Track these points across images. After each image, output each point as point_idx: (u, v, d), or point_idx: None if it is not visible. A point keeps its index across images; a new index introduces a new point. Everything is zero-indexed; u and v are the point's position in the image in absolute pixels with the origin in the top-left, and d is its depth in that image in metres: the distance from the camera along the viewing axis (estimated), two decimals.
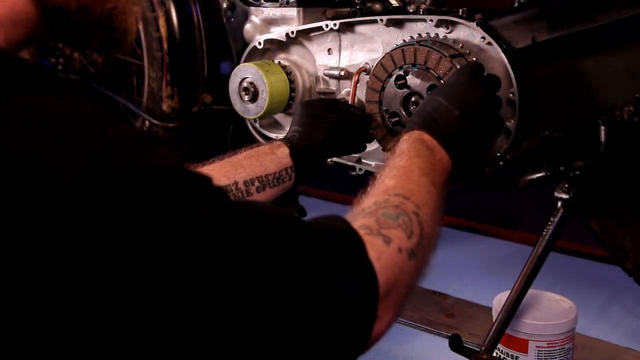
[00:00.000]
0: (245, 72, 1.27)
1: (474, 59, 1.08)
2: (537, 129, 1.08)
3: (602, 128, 1.01)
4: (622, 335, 1.34)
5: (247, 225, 0.52)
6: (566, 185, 1.04)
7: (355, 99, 1.22)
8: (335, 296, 0.55)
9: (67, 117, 0.48)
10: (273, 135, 1.37)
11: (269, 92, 1.25)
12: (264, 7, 1.35)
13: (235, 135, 1.52)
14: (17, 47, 0.57)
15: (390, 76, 1.13)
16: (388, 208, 0.67)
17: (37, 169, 0.43)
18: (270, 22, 1.36)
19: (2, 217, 0.41)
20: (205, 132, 1.71)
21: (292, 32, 1.30)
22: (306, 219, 0.62)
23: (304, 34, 1.30)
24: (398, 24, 1.19)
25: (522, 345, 1.05)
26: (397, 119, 1.13)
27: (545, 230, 1.04)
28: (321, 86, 1.31)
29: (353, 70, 1.25)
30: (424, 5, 1.18)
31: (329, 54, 1.29)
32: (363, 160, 1.29)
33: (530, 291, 1.04)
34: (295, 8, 1.31)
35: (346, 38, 1.27)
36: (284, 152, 1.04)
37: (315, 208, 1.70)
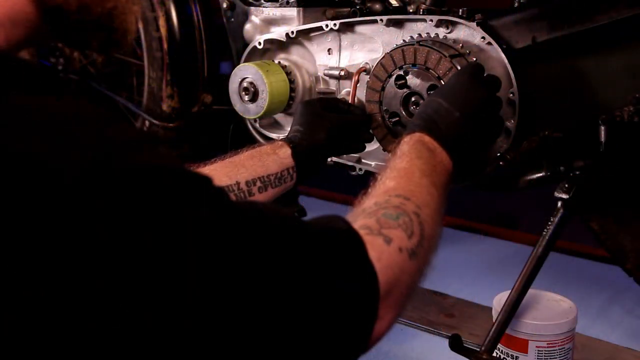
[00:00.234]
0: (245, 72, 1.27)
1: (474, 59, 1.08)
2: (537, 129, 1.08)
3: (602, 128, 1.02)
4: (622, 335, 1.34)
5: (247, 225, 0.52)
6: (566, 185, 1.04)
7: (355, 99, 1.22)
8: (335, 296, 0.55)
9: (67, 117, 0.48)
10: (273, 135, 1.37)
11: (269, 92, 1.25)
12: (264, 7, 1.35)
13: (235, 135, 1.52)
14: (17, 47, 0.57)
15: (390, 76, 1.13)
16: (389, 208, 0.67)
17: (37, 169, 0.43)
18: (270, 22, 1.36)
19: (2, 217, 0.41)
20: (205, 132, 1.71)
21: (292, 32, 1.30)
22: (306, 219, 0.61)
23: (304, 34, 1.30)
24: (398, 24, 1.19)
25: (522, 345, 1.05)
26: (397, 119, 1.13)
27: (545, 230, 1.04)
28: (321, 86, 1.31)
29: (353, 70, 1.25)
30: (424, 5, 1.18)
31: (329, 54, 1.29)
32: (363, 160, 1.29)
33: (530, 291, 1.04)
34: (295, 8, 1.31)
35: (346, 38, 1.27)
36: (285, 152, 1.04)
37: (315, 208, 1.70)
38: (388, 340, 1.32)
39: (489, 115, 0.97)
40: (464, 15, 1.12)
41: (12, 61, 0.51)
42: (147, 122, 1.68)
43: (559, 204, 1.04)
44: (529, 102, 1.08)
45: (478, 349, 1.00)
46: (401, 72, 1.11)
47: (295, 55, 1.34)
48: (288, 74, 1.29)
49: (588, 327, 1.33)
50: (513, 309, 1.02)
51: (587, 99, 1.11)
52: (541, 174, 1.12)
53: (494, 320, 1.03)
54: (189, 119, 1.66)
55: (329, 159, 1.26)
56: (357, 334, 0.58)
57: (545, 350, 1.04)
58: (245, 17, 1.39)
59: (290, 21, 1.33)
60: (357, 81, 1.23)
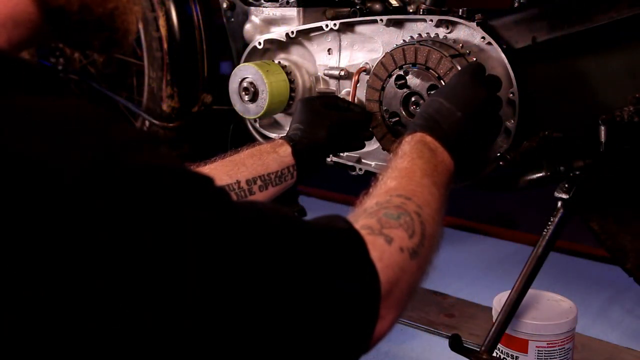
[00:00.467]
0: (245, 72, 1.27)
1: (474, 59, 1.08)
2: (537, 129, 1.08)
3: (602, 128, 1.01)
4: (622, 335, 1.34)
5: (247, 225, 0.52)
6: (566, 185, 1.04)
7: (355, 99, 1.22)
8: (336, 296, 0.55)
9: (67, 117, 0.48)
10: (273, 135, 1.37)
11: (269, 92, 1.25)
12: (264, 7, 1.35)
13: (235, 135, 1.52)
14: (18, 48, 0.57)
15: (390, 76, 1.13)
16: (390, 208, 0.67)
17: (37, 169, 0.43)
18: (270, 22, 1.36)
19: (2, 217, 0.41)
20: (205, 132, 1.71)
21: (292, 32, 1.30)
22: (307, 219, 0.61)
23: (304, 34, 1.30)
24: (398, 24, 1.19)
25: (522, 345, 1.05)
26: (397, 118, 1.13)
27: (545, 230, 1.04)
28: (321, 86, 1.31)
29: (353, 70, 1.25)
30: (424, 5, 1.18)
31: (329, 54, 1.29)
32: (363, 160, 1.29)
33: (530, 291, 1.04)
34: (295, 8, 1.31)
35: (346, 38, 1.27)
36: (286, 150, 1.04)
37: (315, 208, 1.70)
38: (388, 340, 1.32)
39: (489, 115, 0.97)
40: (464, 15, 1.12)
41: (13, 61, 0.51)
42: (147, 122, 1.68)
43: (559, 204, 1.04)
44: (529, 102, 1.08)
45: (478, 349, 1.00)
46: (401, 72, 1.11)
47: (295, 55, 1.34)
48: (288, 74, 1.29)
49: (588, 327, 1.33)
50: (513, 309, 1.02)
51: (587, 99, 1.11)
52: (541, 174, 1.12)
53: (494, 320, 1.03)
54: (189, 119, 1.66)
55: (328, 159, 1.27)
56: (359, 334, 0.58)
57: (545, 350, 1.04)
58: (245, 17, 1.39)
59: (290, 21, 1.33)
60: (357, 81, 1.22)
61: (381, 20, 1.20)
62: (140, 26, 1.63)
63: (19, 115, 0.45)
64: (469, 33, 1.11)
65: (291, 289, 0.52)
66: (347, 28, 1.26)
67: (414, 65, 1.10)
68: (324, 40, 1.29)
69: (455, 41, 1.11)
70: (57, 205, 0.42)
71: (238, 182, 0.99)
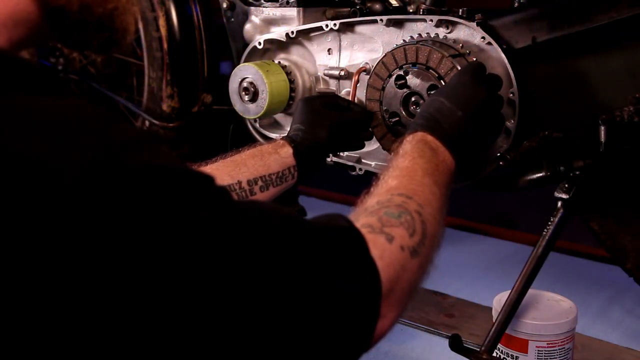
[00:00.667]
0: (245, 72, 1.27)
1: (474, 59, 1.08)
2: (537, 129, 1.08)
3: (602, 128, 1.01)
4: (622, 335, 1.34)
5: (248, 225, 0.52)
6: (566, 185, 1.04)
7: (355, 99, 1.22)
8: (337, 295, 0.55)
9: (67, 117, 0.48)
10: (273, 135, 1.37)
11: (269, 92, 1.25)
12: (264, 7, 1.35)
13: (235, 135, 1.52)
14: (18, 47, 0.57)
15: (390, 76, 1.13)
16: (390, 207, 0.67)
17: (37, 169, 0.43)
18: (270, 22, 1.36)
19: (2, 217, 0.41)
20: (205, 132, 1.71)
21: (292, 32, 1.30)
22: (307, 218, 0.61)
23: (304, 34, 1.30)
24: (398, 24, 1.19)
25: (522, 345, 1.05)
26: (397, 118, 1.13)
27: (545, 230, 1.04)
28: (321, 86, 1.31)
29: (353, 70, 1.25)
30: (424, 5, 1.18)
31: (329, 54, 1.29)
32: (363, 160, 1.29)
33: (530, 291, 1.04)
34: (295, 8, 1.31)
35: (346, 38, 1.27)
36: (287, 151, 1.05)
37: (315, 208, 1.69)
38: (388, 340, 1.32)
39: (490, 114, 0.98)
40: (464, 15, 1.12)
41: (13, 61, 0.51)
42: (147, 122, 1.68)
43: (559, 204, 1.04)
44: (529, 102, 1.08)
45: (478, 349, 1.00)
46: (401, 72, 1.11)
47: (295, 55, 1.34)
48: (288, 74, 1.29)
49: (588, 327, 1.33)
50: (513, 309, 1.02)
51: (587, 99, 1.11)
52: (541, 174, 1.12)
53: (494, 320, 1.03)
54: (189, 119, 1.66)
55: (328, 159, 1.27)
56: (360, 332, 0.58)
57: (545, 350, 1.04)
58: (245, 17, 1.39)
59: (290, 21, 1.33)
60: (357, 81, 1.22)
61: (381, 20, 1.20)
62: (140, 26, 1.63)
63: (19, 115, 0.45)
64: (469, 33, 1.11)
65: (292, 288, 0.52)
66: (347, 28, 1.26)
67: (414, 65, 1.10)
68: (324, 40, 1.29)
69: (455, 41, 1.11)
70: (57, 205, 0.42)
71: (239, 182, 0.99)
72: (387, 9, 1.26)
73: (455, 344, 1.01)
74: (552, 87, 1.14)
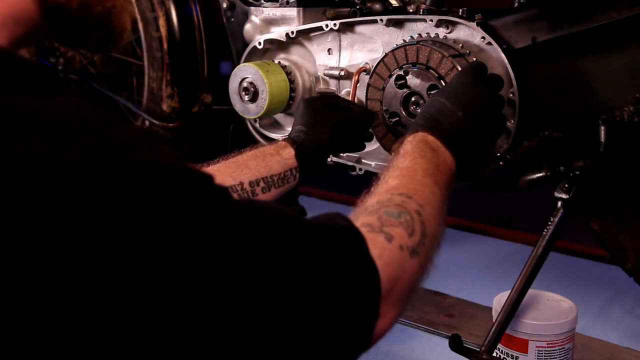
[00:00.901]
0: (245, 72, 1.27)
1: (474, 59, 1.08)
2: (537, 129, 1.08)
3: (602, 128, 1.01)
4: (622, 335, 1.34)
5: (248, 224, 0.52)
6: (566, 185, 1.04)
7: (355, 99, 1.22)
8: (337, 294, 0.55)
9: (68, 117, 0.48)
10: (273, 135, 1.37)
11: (269, 92, 1.25)
12: (264, 7, 1.35)
13: (235, 135, 1.52)
14: (18, 46, 0.57)
15: (390, 76, 1.13)
16: (390, 206, 0.67)
17: (37, 169, 0.43)
18: (270, 22, 1.36)
19: (2, 217, 0.41)
20: (205, 132, 1.71)
21: (292, 32, 1.30)
22: (307, 218, 0.61)
23: (304, 34, 1.30)
24: (398, 24, 1.19)
25: (522, 345, 1.05)
26: (397, 118, 1.13)
27: (545, 230, 1.04)
28: (321, 86, 1.31)
29: (353, 70, 1.25)
30: (424, 5, 1.18)
31: (329, 54, 1.29)
32: (363, 160, 1.29)
33: (530, 291, 1.04)
34: (295, 8, 1.31)
35: (346, 38, 1.27)
36: (289, 153, 1.05)
37: (315, 208, 1.69)
38: (388, 340, 1.32)
39: (491, 115, 0.98)
40: (464, 15, 1.12)
41: (13, 60, 0.51)
42: (147, 122, 1.68)
43: (559, 204, 1.04)
44: (529, 102, 1.08)
45: (478, 349, 1.00)
46: (401, 72, 1.11)
47: (295, 55, 1.34)
48: (288, 74, 1.29)
49: (588, 327, 1.34)
50: (513, 309, 1.02)
51: (587, 99, 1.11)
52: (541, 174, 1.12)
53: (494, 320, 1.03)
54: (189, 119, 1.66)
55: (329, 159, 1.27)
56: (359, 332, 0.58)
57: (545, 350, 1.04)
58: (245, 17, 1.39)
59: (290, 21, 1.33)
60: (357, 81, 1.22)
61: (381, 20, 1.20)
62: (140, 26, 1.63)
63: (19, 115, 0.45)
64: (469, 33, 1.11)
65: (292, 287, 0.52)
66: (347, 28, 1.26)
67: (414, 65, 1.10)
68: (324, 40, 1.29)
69: (455, 41, 1.11)
70: (57, 205, 0.42)
71: (241, 183, 0.99)
72: (387, 9, 1.26)
73: (455, 344, 1.01)
74: (552, 87, 1.14)
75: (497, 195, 2.08)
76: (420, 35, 1.16)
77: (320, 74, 1.31)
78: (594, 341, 1.30)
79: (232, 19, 1.41)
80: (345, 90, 1.28)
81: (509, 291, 1.03)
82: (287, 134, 1.12)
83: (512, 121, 1.07)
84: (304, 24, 1.30)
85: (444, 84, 1.06)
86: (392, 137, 1.15)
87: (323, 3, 1.34)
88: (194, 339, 0.46)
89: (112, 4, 0.61)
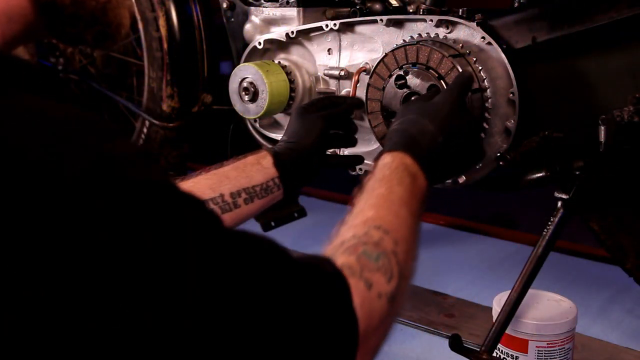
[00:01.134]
0: (245, 72, 1.27)
1: (474, 59, 1.08)
2: (537, 129, 1.08)
3: (602, 128, 1.01)
4: (622, 335, 1.34)
5: (238, 252, 0.51)
6: (566, 185, 1.04)
7: None
8: (317, 340, 0.54)
9: (67, 119, 0.48)
10: (273, 136, 1.37)
11: (269, 92, 1.25)
12: (264, 7, 1.35)
13: (235, 135, 1.52)
14: (12, 44, 0.57)
15: (390, 76, 1.13)
16: (368, 245, 0.66)
17: (36, 168, 0.43)
18: (270, 22, 1.36)
19: (2, 217, 0.41)
20: (205, 132, 1.71)
21: (292, 32, 1.30)
22: (295, 255, 0.59)
23: (304, 34, 1.30)
24: (398, 24, 1.19)
25: (522, 345, 1.05)
26: None
27: (545, 230, 1.04)
28: (321, 86, 1.31)
29: (353, 70, 1.25)
30: (424, 5, 1.18)
31: (329, 54, 1.29)
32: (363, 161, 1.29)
33: (530, 291, 1.04)
34: (295, 8, 1.31)
35: (346, 38, 1.27)
36: (269, 161, 1.01)
37: (315, 208, 1.70)
38: (387, 340, 1.32)
39: (471, 142, 0.97)
40: (464, 15, 1.12)
41: (10, 60, 0.51)
42: (147, 122, 1.69)
43: (559, 204, 1.04)
44: (529, 102, 1.08)
45: (478, 349, 1.00)
46: (401, 72, 1.11)
47: (295, 55, 1.34)
48: (288, 74, 1.29)
49: (588, 327, 1.33)
50: (513, 309, 1.02)
51: (587, 99, 1.11)
52: (541, 174, 1.12)
53: (494, 320, 1.03)
54: (189, 119, 1.66)
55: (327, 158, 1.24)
56: None
57: (545, 350, 1.04)
58: (245, 17, 1.39)
59: (290, 21, 1.33)
60: (357, 81, 1.22)
61: (381, 20, 1.20)
62: (140, 26, 1.63)
63: (19, 115, 0.45)
64: (469, 33, 1.11)
65: (275, 334, 0.51)
66: (347, 28, 1.26)
67: (414, 65, 1.10)
68: (324, 40, 1.29)
69: (455, 41, 1.11)
70: (57, 205, 0.42)
71: (222, 195, 0.96)
72: (387, 9, 1.26)
73: (455, 344, 1.01)
74: (552, 87, 1.14)
75: (497, 195, 2.08)
76: (420, 35, 1.16)
77: (320, 74, 1.31)
78: (594, 341, 1.30)
79: (232, 19, 1.41)
80: (345, 90, 1.28)
81: (509, 291, 1.03)
82: None
83: (512, 121, 1.07)
84: (304, 24, 1.31)
85: (444, 85, 1.06)
86: None
87: (323, 3, 1.34)
88: (194, 339, 0.46)
89: None
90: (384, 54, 1.14)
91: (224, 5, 1.41)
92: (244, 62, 1.35)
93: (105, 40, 0.64)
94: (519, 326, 1.05)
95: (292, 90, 1.30)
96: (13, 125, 0.44)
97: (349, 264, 0.62)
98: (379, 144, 1.20)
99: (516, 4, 1.14)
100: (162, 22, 1.60)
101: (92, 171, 0.44)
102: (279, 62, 1.31)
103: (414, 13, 1.22)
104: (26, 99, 0.48)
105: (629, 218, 1.15)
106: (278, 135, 1.36)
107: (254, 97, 1.26)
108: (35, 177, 0.42)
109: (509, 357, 1.07)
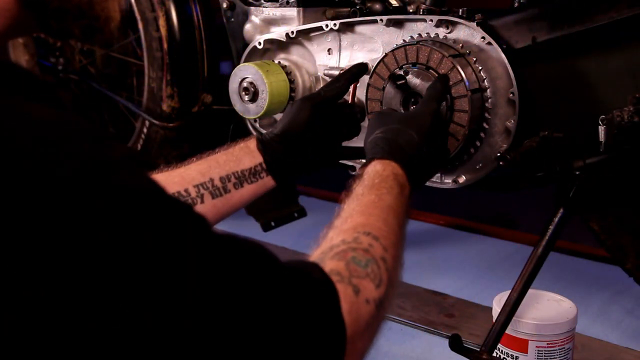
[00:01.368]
0: (245, 72, 1.27)
1: (474, 59, 1.08)
2: (537, 129, 1.08)
3: (602, 128, 1.02)
4: (622, 335, 1.34)
5: (230, 256, 0.51)
6: (566, 185, 1.04)
7: (355, 99, 1.22)
8: (306, 346, 0.54)
9: (60, 123, 0.48)
10: None
11: (269, 92, 1.25)
12: (264, 7, 1.35)
13: (235, 135, 1.52)
14: (1, 39, 0.57)
15: (390, 76, 1.13)
16: (358, 251, 0.66)
17: (35, 168, 0.43)
18: (270, 22, 1.36)
19: (1, 217, 0.41)
20: (205, 132, 1.71)
21: (292, 32, 1.30)
22: (283, 262, 0.59)
23: (304, 34, 1.30)
24: (398, 24, 1.19)
25: (522, 345, 1.05)
26: None
27: (545, 230, 1.04)
28: (321, 86, 1.31)
29: None
30: (424, 5, 1.18)
31: (329, 54, 1.29)
32: (363, 161, 1.28)
33: (530, 291, 1.04)
34: (295, 8, 1.31)
35: (346, 38, 1.27)
36: (254, 144, 1.01)
37: (315, 208, 1.70)
38: (388, 340, 1.32)
39: (445, 147, 1.00)
40: (464, 15, 1.12)
41: (6, 66, 0.51)
42: (147, 122, 1.69)
43: (559, 204, 1.04)
44: (529, 102, 1.08)
45: (478, 349, 1.00)
46: (401, 72, 1.11)
47: (295, 55, 1.34)
48: (288, 74, 1.29)
49: (588, 327, 1.34)
50: (513, 309, 1.02)
51: (587, 99, 1.11)
52: (541, 174, 1.12)
53: (494, 320, 1.03)
54: (189, 119, 1.66)
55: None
56: None
57: (545, 350, 1.05)
58: (245, 17, 1.39)
59: (290, 21, 1.33)
60: (357, 81, 1.22)
61: (381, 20, 1.20)
62: (140, 26, 1.64)
63: (5, 118, 0.45)
64: (469, 33, 1.11)
65: (258, 332, 0.51)
66: (347, 28, 1.26)
67: (414, 65, 1.10)
68: (324, 40, 1.29)
69: (455, 41, 1.11)
70: (57, 205, 0.42)
71: (212, 179, 0.96)
72: (387, 9, 1.26)
73: (455, 344, 1.01)
74: (552, 87, 1.14)
75: (497, 195, 2.08)
76: (420, 35, 1.16)
77: (320, 74, 1.31)
78: (594, 341, 1.30)
79: (232, 19, 1.41)
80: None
81: (509, 291, 1.03)
82: None
83: (512, 121, 1.07)
84: (304, 24, 1.31)
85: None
86: None
87: (323, 3, 1.34)
88: (191, 341, 0.46)
89: None
90: (384, 54, 1.14)
91: (224, 5, 1.41)
92: (244, 62, 1.35)
93: (94, 34, 0.64)
94: (519, 326, 1.05)
95: (292, 90, 1.30)
96: (9, 125, 0.44)
97: (337, 269, 0.62)
98: None
99: (516, 4, 1.14)
100: (162, 22, 1.60)
101: (85, 172, 0.44)
102: (279, 62, 1.31)
103: (414, 13, 1.22)
104: (15, 101, 0.47)
105: (629, 218, 1.15)
106: None
107: (254, 97, 1.26)
108: (34, 177, 0.42)
109: (509, 357, 1.07)
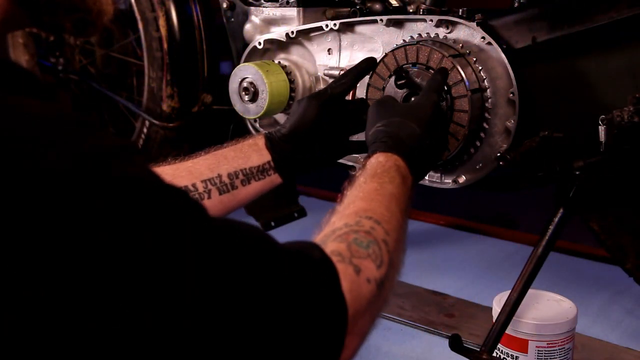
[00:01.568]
0: (245, 72, 1.27)
1: (474, 59, 1.08)
2: (537, 129, 1.08)
3: (602, 128, 1.01)
4: (622, 335, 1.34)
5: (223, 241, 0.51)
6: (566, 185, 1.04)
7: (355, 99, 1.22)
8: (307, 325, 0.55)
9: (54, 118, 0.48)
10: None
11: (269, 92, 1.25)
12: (264, 7, 1.35)
13: (236, 135, 1.51)
14: None
15: (390, 76, 1.13)
16: (360, 233, 0.66)
17: (34, 167, 0.43)
18: (270, 22, 1.36)
19: (1, 217, 0.41)
20: (205, 132, 1.71)
21: (292, 32, 1.30)
22: (282, 243, 0.59)
23: (304, 34, 1.31)
24: (398, 24, 1.19)
25: (522, 345, 1.05)
26: None
27: (545, 230, 1.04)
28: (321, 86, 1.31)
29: None
30: (424, 5, 1.18)
31: (329, 54, 1.29)
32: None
33: (530, 291, 1.04)
34: (295, 8, 1.31)
35: (346, 38, 1.27)
36: (262, 142, 1.01)
37: (315, 208, 1.70)
38: (388, 340, 1.32)
39: (445, 139, 1.01)
40: (464, 15, 1.12)
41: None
42: (147, 122, 1.69)
43: (559, 204, 1.04)
44: (529, 102, 1.08)
45: (478, 349, 1.00)
46: (401, 72, 1.11)
47: (295, 55, 1.34)
48: (288, 74, 1.29)
49: (588, 327, 1.34)
50: (513, 309, 1.02)
51: (587, 99, 1.11)
52: (541, 174, 1.12)
53: (494, 320, 1.03)
54: (189, 119, 1.66)
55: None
56: None
57: (545, 350, 1.05)
58: (245, 17, 1.39)
59: (290, 21, 1.33)
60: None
61: (381, 20, 1.20)
62: (140, 26, 1.64)
63: (12, 114, 0.45)
64: (469, 33, 1.11)
65: (262, 318, 0.51)
66: (347, 28, 1.26)
67: (414, 65, 1.10)
68: (324, 40, 1.29)
69: (455, 41, 1.11)
70: (56, 205, 0.42)
71: (220, 175, 0.96)
72: (387, 9, 1.26)
73: (455, 344, 1.01)
74: (552, 87, 1.14)
75: (497, 195, 2.08)
76: (420, 35, 1.16)
77: (320, 74, 1.31)
78: (594, 341, 1.30)
79: (232, 19, 1.41)
80: None
81: (509, 291, 1.03)
82: None
83: (512, 121, 1.07)
84: (304, 24, 1.31)
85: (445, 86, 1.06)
86: None
87: (323, 3, 1.34)
88: (193, 339, 0.46)
89: None
90: (384, 54, 1.14)
91: (224, 5, 1.41)
92: (244, 62, 1.35)
93: (86, 28, 0.64)
94: (519, 326, 1.05)
95: (292, 90, 1.30)
96: (5, 123, 0.44)
97: (338, 250, 0.63)
98: None
99: (516, 4, 1.14)
100: (162, 22, 1.61)
101: (83, 164, 0.44)
102: (279, 62, 1.31)
103: (414, 13, 1.22)
104: (8, 97, 0.47)
105: (629, 218, 1.15)
106: None
107: (254, 97, 1.26)
108: (33, 176, 0.42)
109: (509, 357, 1.07)
